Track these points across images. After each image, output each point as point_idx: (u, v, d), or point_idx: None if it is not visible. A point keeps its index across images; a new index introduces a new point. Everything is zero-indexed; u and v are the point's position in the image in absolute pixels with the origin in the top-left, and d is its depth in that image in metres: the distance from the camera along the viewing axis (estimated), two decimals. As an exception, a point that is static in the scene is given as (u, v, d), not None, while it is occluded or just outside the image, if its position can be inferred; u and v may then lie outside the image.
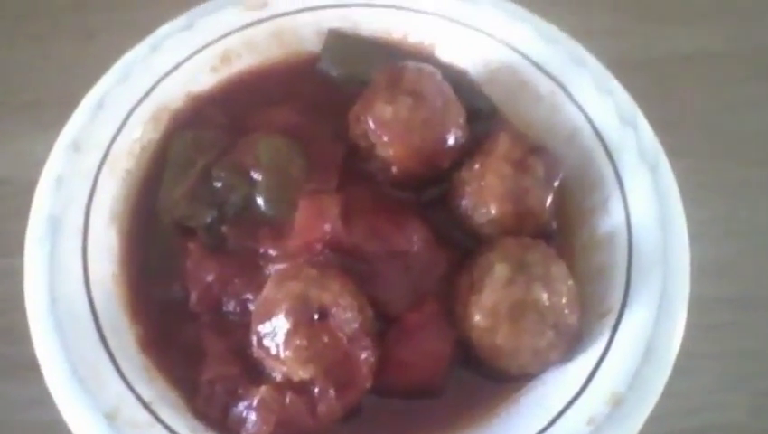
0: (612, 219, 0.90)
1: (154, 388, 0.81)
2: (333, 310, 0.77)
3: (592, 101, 0.96)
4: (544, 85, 0.99)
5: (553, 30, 1.01)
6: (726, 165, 1.12)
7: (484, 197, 0.87)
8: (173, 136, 0.95)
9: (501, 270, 0.81)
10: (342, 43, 1.04)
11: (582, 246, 0.91)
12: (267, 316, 0.78)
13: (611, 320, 0.84)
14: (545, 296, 0.80)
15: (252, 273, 0.85)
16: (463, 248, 0.90)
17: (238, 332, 0.82)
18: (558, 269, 0.82)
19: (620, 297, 0.85)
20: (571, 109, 0.96)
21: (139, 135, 0.95)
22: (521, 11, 1.03)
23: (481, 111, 1.01)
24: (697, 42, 1.22)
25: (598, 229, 0.91)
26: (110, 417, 0.77)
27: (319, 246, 0.84)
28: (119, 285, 0.87)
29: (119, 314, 0.85)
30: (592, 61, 0.98)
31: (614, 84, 0.96)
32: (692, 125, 1.14)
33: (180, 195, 0.90)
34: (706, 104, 1.16)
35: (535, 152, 0.89)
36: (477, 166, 0.89)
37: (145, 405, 0.79)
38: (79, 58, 1.16)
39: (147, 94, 0.97)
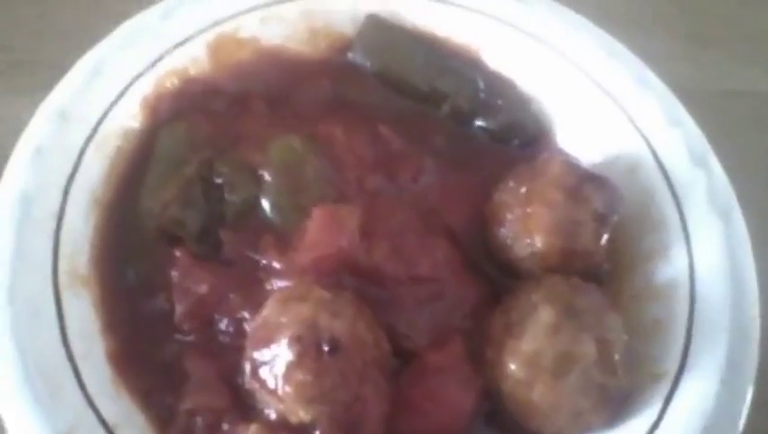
0: (672, 268, 0.78)
1: (120, 409, 0.69)
2: (346, 342, 0.64)
3: (658, 132, 0.84)
4: (603, 106, 0.87)
5: (616, 45, 0.89)
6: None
7: (529, 227, 0.76)
8: (163, 125, 0.83)
9: (546, 314, 0.69)
10: (380, 32, 0.92)
11: (634, 294, 0.79)
12: (266, 342, 0.66)
13: (664, 386, 0.71)
14: (595, 349, 0.68)
15: (251, 288, 0.73)
16: (495, 281, 0.80)
17: (228, 356, 0.71)
18: (613, 321, 0.71)
19: (677, 359, 0.73)
20: (633, 138, 0.84)
21: (136, 112, 0.82)
22: (582, 20, 0.92)
23: (526, 129, 0.90)
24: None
25: (656, 277, 0.79)
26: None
27: (332, 264, 0.72)
28: (92, 287, 0.75)
29: (89, 320, 0.73)
30: (660, 85, 0.86)
31: (685, 115, 0.84)
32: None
33: (169, 199, 0.77)
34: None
35: (592, 180, 0.77)
36: (523, 190, 0.77)
37: (108, 429, 0.67)
38: (81, 21, 1.05)
39: (153, 65, 0.84)
